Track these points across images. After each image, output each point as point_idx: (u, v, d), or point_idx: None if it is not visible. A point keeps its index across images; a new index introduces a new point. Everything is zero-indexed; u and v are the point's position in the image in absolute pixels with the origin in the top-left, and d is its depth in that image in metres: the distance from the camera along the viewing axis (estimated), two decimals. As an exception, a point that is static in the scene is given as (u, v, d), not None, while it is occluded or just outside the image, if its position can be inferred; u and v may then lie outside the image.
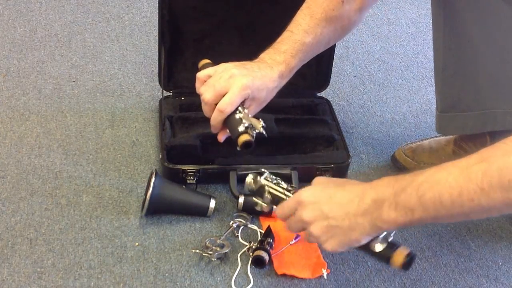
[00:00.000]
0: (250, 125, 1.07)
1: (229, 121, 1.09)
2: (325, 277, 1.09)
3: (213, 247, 1.10)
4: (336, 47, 1.42)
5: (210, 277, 1.07)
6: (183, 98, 1.42)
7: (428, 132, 1.46)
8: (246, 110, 1.09)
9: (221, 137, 1.14)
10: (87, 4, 1.87)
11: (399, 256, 0.87)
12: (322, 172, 1.26)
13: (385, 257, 0.88)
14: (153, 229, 1.15)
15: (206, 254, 1.09)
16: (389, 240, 0.88)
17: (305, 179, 1.09)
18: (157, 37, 1.39)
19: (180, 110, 1.39)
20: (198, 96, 1.11)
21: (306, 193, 0.92)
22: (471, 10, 1.10)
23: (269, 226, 1.15)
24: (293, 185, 1.04)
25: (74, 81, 1.54)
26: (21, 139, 1.34)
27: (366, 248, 0.89)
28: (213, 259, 1.09)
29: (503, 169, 0.73)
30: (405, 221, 0.82)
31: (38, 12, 1.82)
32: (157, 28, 1.38)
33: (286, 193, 1.00)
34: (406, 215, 0.81)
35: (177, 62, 1.41)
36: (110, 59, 1.64)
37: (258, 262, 1.08)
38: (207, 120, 1.12)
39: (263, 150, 1.27)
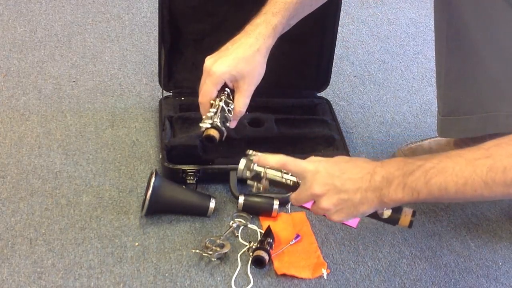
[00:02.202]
0: (212, 116, 1.07)
1: None
2: (325, 277, 1.09)
3: (213, 247, 1.10)
4: (336, 47, 1.42)
5: (210, 277, 1.07)
6: (183, 98, 1.42)
7: (428, 132, 1.46)
8: (222, 97, 1.09)
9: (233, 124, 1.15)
10: (87, 4, 1.87)
11: (407, 217, 0.95)
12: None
13: (394, 221, 0.96)
14: (153, 229, 1.15)
15: (206, 254, 1.09)
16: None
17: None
18: (157, 37, 1.39)
19: (180, 110, 1.39)
20: (198, 96, 1.12)
21: (322, 166, 0.94)
22: (475, 14, 1.10)
23: (269, 226, 1.15)
24: None
25: (74, 81, 1.54)
26: (21, 139, 1.34)
27: (373, 215, 0.96)
28: (213, 259, 1.09)
29: (507, 168, 0.80)
30: (410, 200, 0.88)
31: (38, 12, 1.82)
32: (157, 28, 1.38)
33: (285, 176, 1.01)
34: (412, 195, 0.87)
35: (177, 62, 1.41)
36: (110, 59, 1.64)
37: (258, 262, 1.08)
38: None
39: (263, 150, 1.27)
